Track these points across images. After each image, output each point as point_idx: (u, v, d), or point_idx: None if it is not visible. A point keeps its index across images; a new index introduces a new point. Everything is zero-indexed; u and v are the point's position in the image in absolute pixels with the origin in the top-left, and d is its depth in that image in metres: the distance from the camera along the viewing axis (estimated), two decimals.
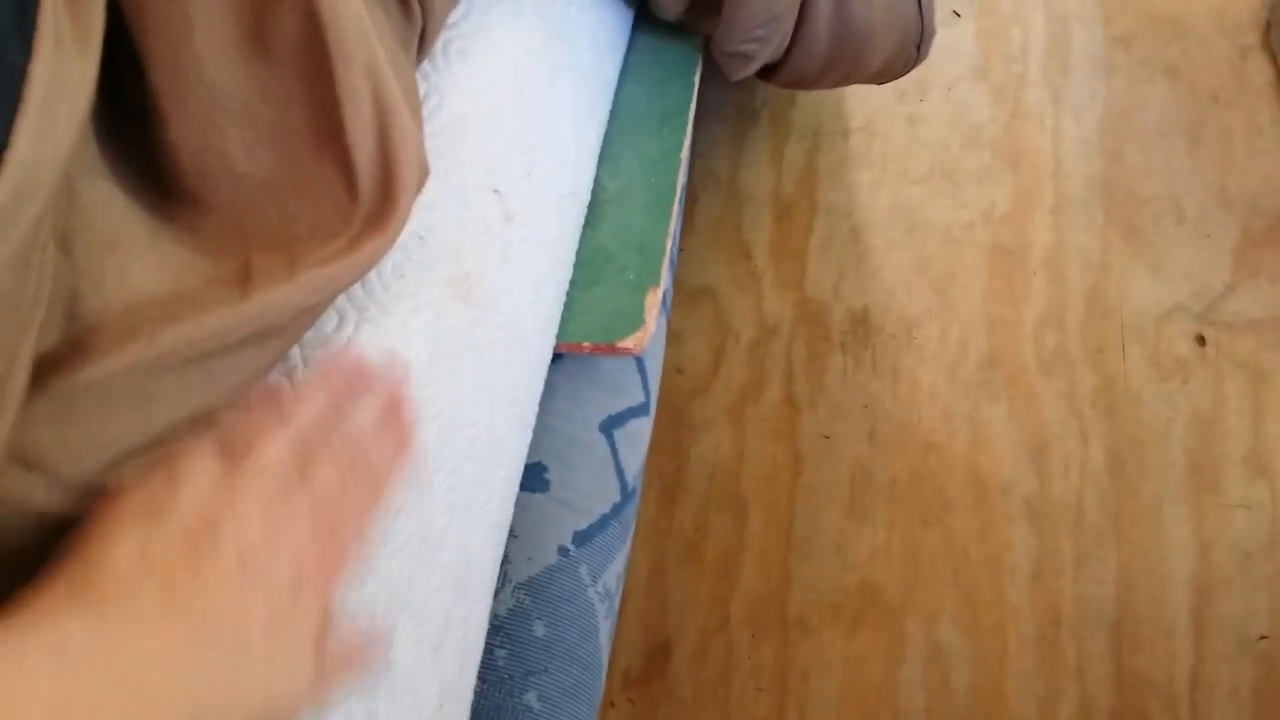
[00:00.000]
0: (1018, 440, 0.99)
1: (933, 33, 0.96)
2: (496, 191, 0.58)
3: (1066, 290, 1.08)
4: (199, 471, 0.39)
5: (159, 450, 0.40)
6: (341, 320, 0.50)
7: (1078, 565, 0.91)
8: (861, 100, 1.25)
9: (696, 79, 0.81)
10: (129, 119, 0.46)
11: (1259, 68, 1.24)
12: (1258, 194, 1.13)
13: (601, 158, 0.76)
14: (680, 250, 1.16)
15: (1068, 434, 0.98)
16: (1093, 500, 0.94)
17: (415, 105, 0.50)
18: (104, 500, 0.38)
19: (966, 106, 1.24)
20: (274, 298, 0.42)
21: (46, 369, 0.38)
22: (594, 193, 0.75)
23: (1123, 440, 0.97)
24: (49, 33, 0.39)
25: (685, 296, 1.14)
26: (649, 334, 0.69)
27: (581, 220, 0.73)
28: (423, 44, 0.54)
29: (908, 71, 0.99)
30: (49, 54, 0.39)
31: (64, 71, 0.40)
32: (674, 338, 1.11)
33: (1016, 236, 1.13)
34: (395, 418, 0.46)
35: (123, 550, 0.35)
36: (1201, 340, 1.03)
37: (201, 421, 0.42)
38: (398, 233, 0.46)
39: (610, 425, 0.70)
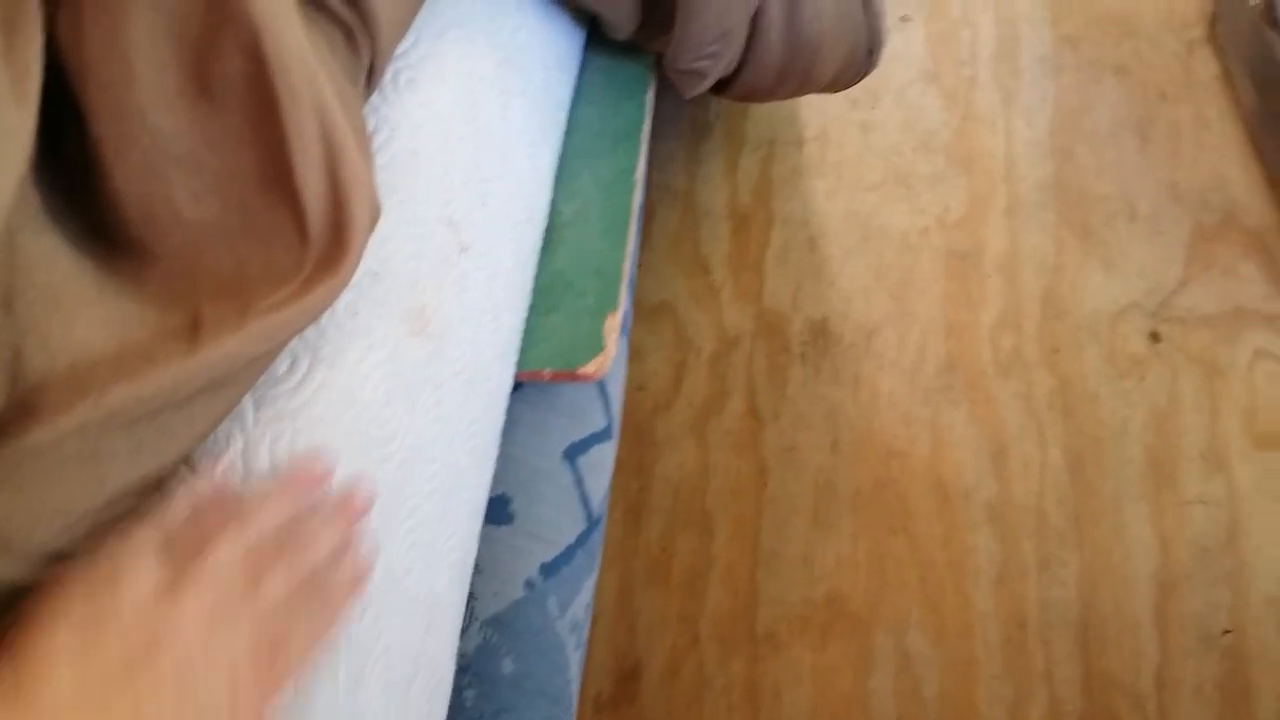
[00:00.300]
0: (978, 444, 1.00)
1: (883, 41, 0.97)
2: (451, 222, 0.58)
3: (1022, 292, 1.10)
4: (142, 571, 0.38)
5: (108, 532, 0.40)
6: (295, 361, 0.50)
7: (1041, 567, 0.93)
8: (815, 109, 1.26)
9: (650, 98, 0.82)
10: (69, 168, 0.45)
11: (1205, 62, 1.26)
12: (1207, 189, 1.16)
13: (557, 181, 0.76)
14: (638, 266, 1.16)
15: (1026, 436, 1.00)
16: (1053, 502, 0.96)
17: (364, 141, 0.50)
18: (43, 595, 0.37)
19: (918, 111, 1.26)
20: (226, 348, 0.41)
21: None
22: (550, 217, 0.75)
23: (1081, 440, 0.99)
24: None
25: (645, 313, 1.14)
26: (609, 359, 0.69)
27: (538, 246, 0.73)
28: (371, 76, 0.54)
29: (860, 80, 1.00)
30: None
31: (4, 126, 0.39)
32: (634, 354, 1.11)
33: (971, 240, 1.15)
34: (352, 551, 0.46)
35: (61, 669, 0.34)
36: (1156, 337, 1.05)
37: (154, 484, 0.42)
38: (351, 273, 0.46)
39: (574, 453, 0.70)
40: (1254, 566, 0.90)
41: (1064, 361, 1.04)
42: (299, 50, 0.44)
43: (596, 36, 0.82)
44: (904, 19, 1.33)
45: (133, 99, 0.44)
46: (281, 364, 0.49)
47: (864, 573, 0.95)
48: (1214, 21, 1.28)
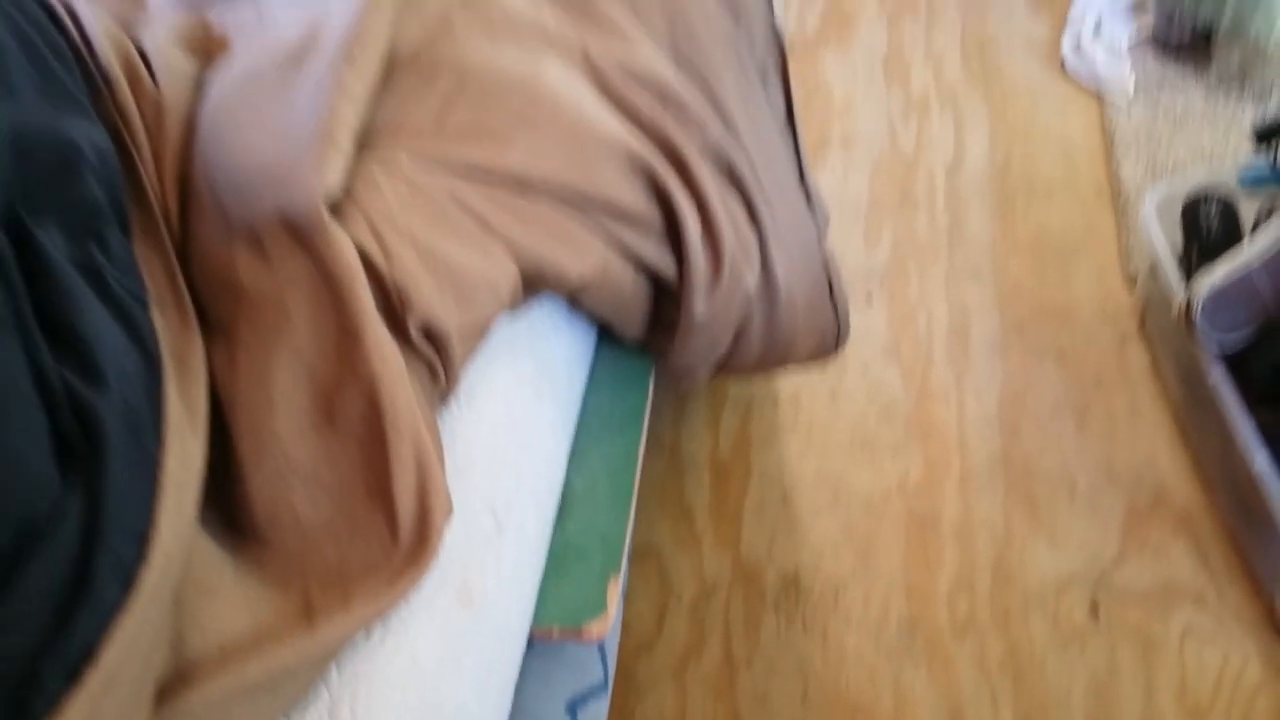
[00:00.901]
0: (937, 704, 1.12)
1: (848, 332, 1.15)
2: (493, 509, 0.72)
3: (975, 558, 1.24)
4: None
5: None
6: (370, 629, 0.62)
7: None
8: (788, 374, 1.44)
9: (651, 386, 0.98)
10: (210, 471, 0.59)
11: (1137, 354, 1.46)
12: (1140, 470, 1.32)
13: (570, 457, 0.91)
14: None
15: (980, 699, 1.12)
16: None
17: (441, 455, 0.65)
18: None
19: (880, 383, 1.44)
20: (335, 630, 0.54)
21: (157, 699, 0.49)
22: (563, 488, 0.89)
23: (1030, 705, 1.11)
24: (174, 420, 0.53)
25: (632, 555, 1.27)
26: (611, 621, 0.81)
27: (554, 515, 0.86)
28: (443, 395, 0.69)
29: (827, 361, 1.17)
30: (176, 441, 0.53)
31: (186, 454, 0.53)
32: None
33: (929, 506, 1.30)
34: None
35: None
36: (1096, 609, 1.18)
37: None
38: (430, 566, 0.60)
39: (575, 705, 0.81)
40: None
41: (1014, 627, 1.17)
42: (405, 393, 0.59)
43: (605, 334, 0.99)
44: (868, 298, 1.54)
45: (271, 426, 0.58)
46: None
47: None
48: (1144, 318, 1.49)
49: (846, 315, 1.13)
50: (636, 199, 0.79)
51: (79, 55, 0.67)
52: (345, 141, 0.63)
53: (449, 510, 0.62)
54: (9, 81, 0.57)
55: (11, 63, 0.59)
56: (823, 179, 1.71)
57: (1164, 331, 1.43)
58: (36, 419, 0.46)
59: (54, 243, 0.54)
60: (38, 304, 0.51)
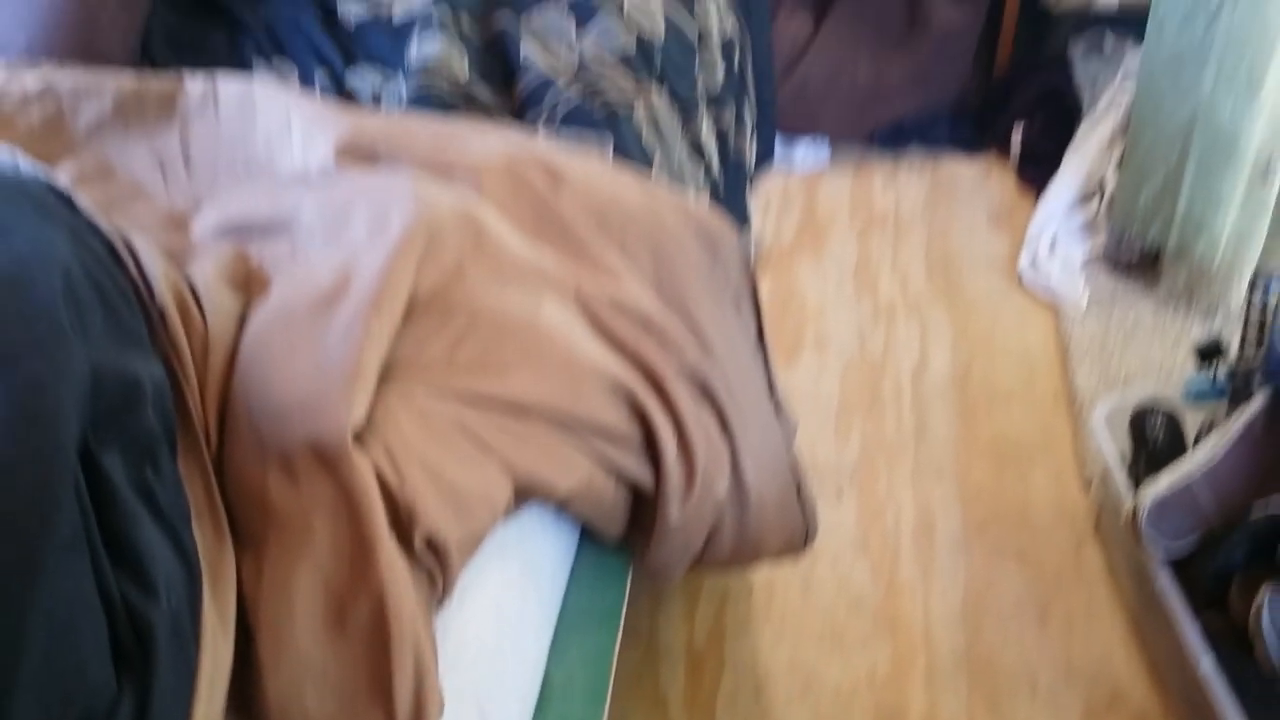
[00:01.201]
0: None
1: (816, 531, 1.24)
2: (479, 705, 0.79)
3: None
4: None
5: None
6: None
7: None
8: (763, 566, 1.51)
9: (628, 583, 1.06)
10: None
11: (1093, 555, 1.55)
12: (1097, 670, 1.39)
13: (550, 650, 0.98)
14: None
15: None
16: None
17: (436, 655, 0.72)
18: None
19: (849, 576, 1.52)
20: None
21: None
22: (542, 681, 0.96)
23: None
24: (209, 626, 0.62)
25: None
26: None
27: (534, 706, 0.93)
28: (440, 599, 0.77)
29: (798, 557, 1.26)
30: (210, 644, 0.61)
31: (217, 655, 0.62)
32: None
33: (895, 699, 1.36)
34: None
35: None
36: None
37: None
38: None
39: None
40: None
41: None
42: (410, 602, 0.68)
43: (587, 533, 1.08)
44: (838, 494, 1.63)
45: (289, 629, 0.67)
46: None
47: None
48: (1099, 520, 1.59)
49: (814, 515, 1.23)
50: (619, 420, 0.90)
51: (137, 291, 0.78)
52: (370, 380, 0.74)
53: (441, 708, 0.69)
54: (86, 325, 0.68)
55: (87, 307, 0.70)
56: (796, 379, 1.83)
57: (1117, 535, 1.52)
58: (99, 629, 0.54)
59: (115, 466, 0.63)
60: (101, 522, 0.59)
